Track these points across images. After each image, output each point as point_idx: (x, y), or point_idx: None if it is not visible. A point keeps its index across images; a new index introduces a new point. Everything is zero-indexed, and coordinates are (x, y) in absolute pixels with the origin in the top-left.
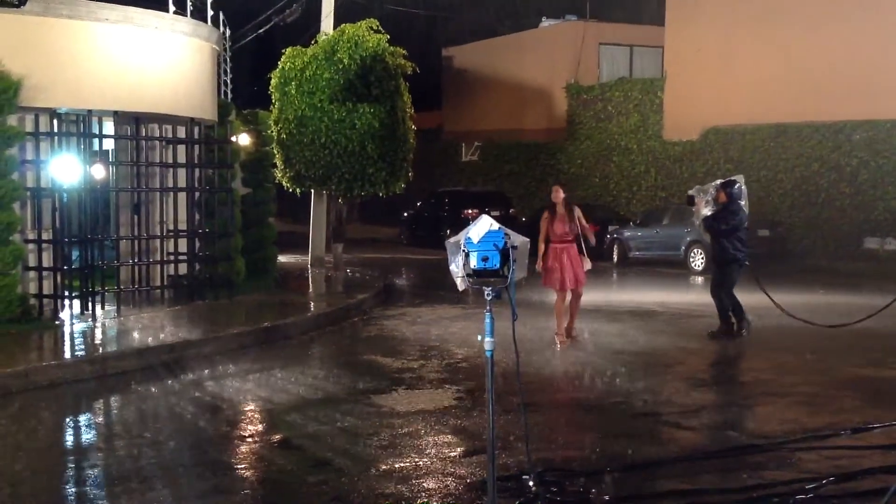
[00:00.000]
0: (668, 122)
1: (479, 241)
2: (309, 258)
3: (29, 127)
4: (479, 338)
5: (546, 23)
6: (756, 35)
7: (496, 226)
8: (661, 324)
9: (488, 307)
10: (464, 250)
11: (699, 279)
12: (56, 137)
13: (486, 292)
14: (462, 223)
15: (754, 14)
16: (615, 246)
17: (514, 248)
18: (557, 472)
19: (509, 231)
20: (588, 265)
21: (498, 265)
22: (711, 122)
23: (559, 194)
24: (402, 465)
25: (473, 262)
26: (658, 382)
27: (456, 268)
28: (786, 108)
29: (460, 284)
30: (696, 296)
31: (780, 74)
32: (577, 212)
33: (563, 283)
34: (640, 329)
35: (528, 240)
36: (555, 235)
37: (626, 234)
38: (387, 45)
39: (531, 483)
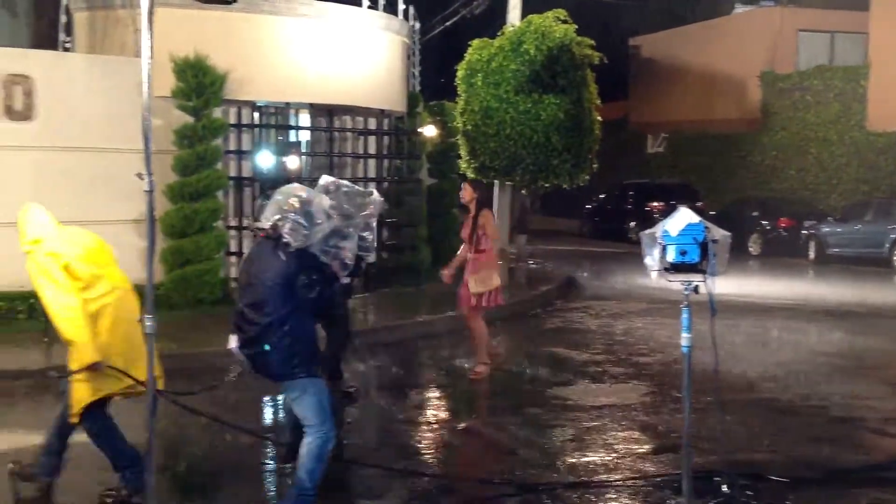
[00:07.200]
0: (872, 112)
1: (677, 234)
2: None
3: (232, 119)
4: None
5: (740, 9)
6: None
7: (696, 219)
8: (861, 325)
9: (685, 302)
10: (660, 243)
11: None
12: (256, 129)
13: (683, 287)
14: (647, 216)
15: None
16: (811, 242)
17: (714, 241)
18: (751, 476)
19: (710, 224)
20: None
21: (697, 259)
22: None
23: None
24: (588, 459)
25: (671, 256)
26: (859, 386)
27: (651, 261)
28: None
29: (655, 278)
30: None
31: None
32: None
33: None
34: (839, 330)
35: (729, 234)
36: None
37: (825, 229)
38: (574, 34)
39: (724, 485)
